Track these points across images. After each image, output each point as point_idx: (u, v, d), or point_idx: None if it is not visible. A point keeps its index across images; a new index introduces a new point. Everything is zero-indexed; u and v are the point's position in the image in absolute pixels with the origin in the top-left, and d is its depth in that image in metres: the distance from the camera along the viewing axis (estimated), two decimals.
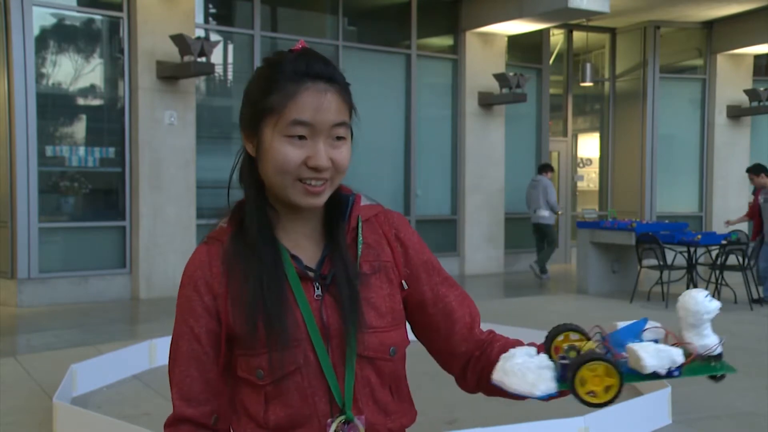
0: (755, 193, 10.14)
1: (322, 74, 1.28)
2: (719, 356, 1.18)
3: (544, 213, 11.47)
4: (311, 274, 1.32)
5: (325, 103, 1.27)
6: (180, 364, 1.32)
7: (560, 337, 1.25)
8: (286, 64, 1.29)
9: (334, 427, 1.28)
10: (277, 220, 1.34)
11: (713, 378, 1.18)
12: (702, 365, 1.18)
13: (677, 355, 1.15)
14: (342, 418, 1.28)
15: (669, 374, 1.15)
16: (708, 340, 1.17)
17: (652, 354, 1.15)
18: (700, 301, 1.16)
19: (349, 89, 1.33)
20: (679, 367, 1.16)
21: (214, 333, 1.31)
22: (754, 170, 9.93)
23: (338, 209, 1.37)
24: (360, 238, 1.37)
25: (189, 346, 1.31)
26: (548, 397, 1.18)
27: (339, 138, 1.29)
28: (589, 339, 1.23)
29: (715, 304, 1.17)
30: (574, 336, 1.25)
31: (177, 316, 1.34)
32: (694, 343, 1.17)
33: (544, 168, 11.79)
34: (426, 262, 1.43)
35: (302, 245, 1.35)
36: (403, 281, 1.39)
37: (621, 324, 1.21)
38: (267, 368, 1.27)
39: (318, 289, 1.31)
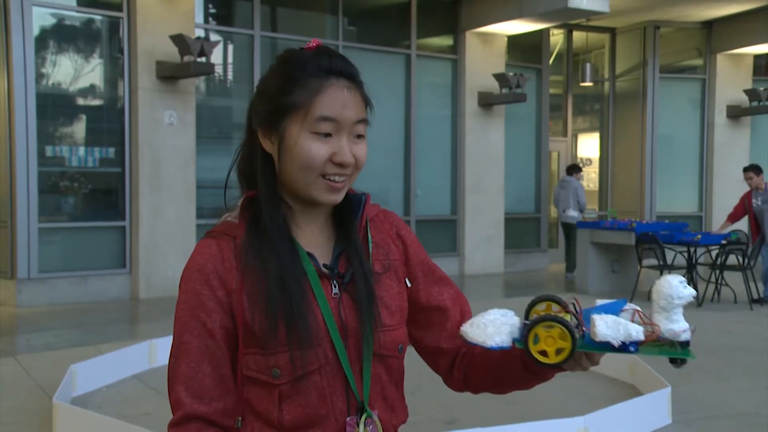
0: (746, 194, 9.81)
1: (345, 71, 1.30)
2: (686, 343, 1.17)
3: (573, 213, 11.60)
4: (328, 272, 1.32)
5: (350, 100, 1.29)
6: (190, 360, 1.27)
7: (542, 306, 1.27)
8: (307, 61, 1.29)
9: (362, 427, 1.29)
10: (291, 216, 1.34)
11: (673, 362, 1.18)
12: (663, 347, 1.18)
13: (635, 331, 1.16)
14: (364, 416, 1.29)
15: (624, 348, 1.16)
16: (675, 326, 1.17)
17: (609, 324, 1.16)
18: (674, 285, 1.16)
19: (364, 88, 1.34)
20: (637, 344, 1.16)
21: (227, 329, 1.28)
22: (755, 169, 9.64)
23: (348, 207, 1.38)
24: (369, 237, 1.39)
25: (201, 342, 1.27)
26: (500, 349, 1.22)
27: (359, 135, 1.31)
28: (567, 312, 1.24)
29: (688, 291, 1.16)
30: (555, 308, 1.26)
31: (183, 311, 1.30)
32: (660, 326, 1.17)
33: (574, 169, 11.90)
34: (422, 262, 1.45)
35: (315, 242, 1.36)
36: (406, 279, 1.42)
37: (600, 302, 1.23)
38: (287, 367, 1.25)
39: (335, 287, 1.32)
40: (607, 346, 1.16)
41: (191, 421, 1.27)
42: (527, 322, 1.22)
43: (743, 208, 9.76)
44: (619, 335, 1.16)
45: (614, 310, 1.20)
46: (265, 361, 1.26)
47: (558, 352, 1.17)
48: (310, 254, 1.32)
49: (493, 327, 1.22)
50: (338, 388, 1.29)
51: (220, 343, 1.28)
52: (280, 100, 1.29)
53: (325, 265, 1.33)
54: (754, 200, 9.55)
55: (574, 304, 1.24)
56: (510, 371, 1.37)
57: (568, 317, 1.22)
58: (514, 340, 1.22)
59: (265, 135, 1.32)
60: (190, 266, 1.31)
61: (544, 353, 1.18)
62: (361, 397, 1.30)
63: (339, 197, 1.32)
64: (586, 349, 1.18)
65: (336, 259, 1.35)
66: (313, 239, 1.36)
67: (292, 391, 1.27)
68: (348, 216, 1.38)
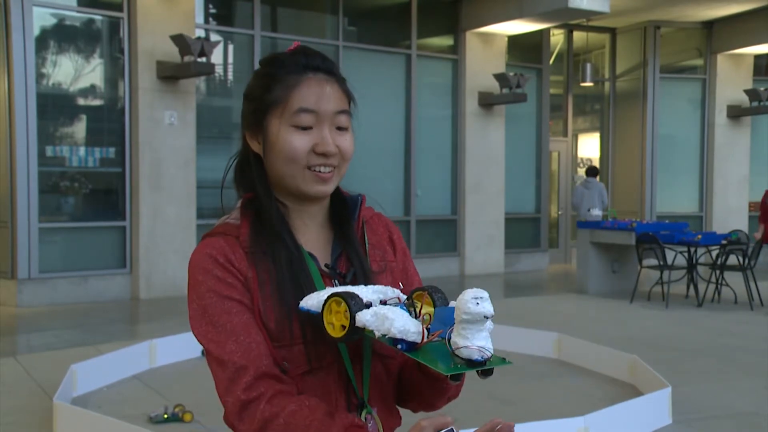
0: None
1: (321, 67, 1.33)
2: (472, 362, 1.10)
3: (598, 212, 11.82)
4: (330, 272, 1.34)
5: (327, 92, 1.31)
6: (237, 337, 1.24)
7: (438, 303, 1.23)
8: (285, 60, 1.33)
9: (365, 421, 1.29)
10: (288, 216, 1.35)
11: (450, 377, 1.13)
12: (436, 356, 1.12)
13: (397, 330, 1.13)
14: (365, 411, 1.30)
15: (392, 341, 1.14)
16: (460, 340, 1.10)
17: (377, 313, 1.15)
18: (464, 299, 1.10)
19: (346, 83, 1.37)
20: (407, 344, 1.14)
21: (254, 308, 1.28)
22: None
23: (345, 208, 1.40)
24: (366, 238, 1.41)
25: (243, 318, 1.26)
26: (307, 311, 1.23)
27: (342, 127, 1.33)
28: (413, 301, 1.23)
29: (479, 309, 1.09)
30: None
31: (210, 299, 1.27)
32: (454, 338, 1.11)
33: (595, 171, 12.21)
34: (404, 270, 1.46)
35: (314, 243, 1.37)
36: (400, 283, 1.42)
37: (453, 304, 1.17)
38: (297, 360, 1.26)
39: (337, 286, 1.33)
40: (373, 335, 1.15)
41: (263, 378, 1.23)
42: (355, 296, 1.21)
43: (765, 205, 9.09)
44: (379, 327, 1.14)
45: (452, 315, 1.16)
46: (276, 354, 1.26)
47: (342, 328, 1.18)
48: (310, 254, 1.33)
49: (320, 294, 1.23)
50: (341, 385, 1.30)
51: (257, 319, 1.27)
52: (260, 100, 1.32)
53: (327, 265, 1.34)
54: None
55: (432, 295, 1.21)
56: (413, 376, 1.36)
57: (428, 308, 1.20)
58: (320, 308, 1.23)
59: (252, 136, 1.35)
60: (201, 260, 1.30)
61: (332, 325, 1.19)
62: (362, 394, 1.31)
63: (328, 188, 1.33)
64: (370, 335, 1.16)
65: (335, 259, 1.36)
66: (312, 239, 1.37)
67: (297, 387, 1.27)
68: (345, 217, 1.39)
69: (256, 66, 1.41)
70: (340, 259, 1.36)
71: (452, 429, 1.13)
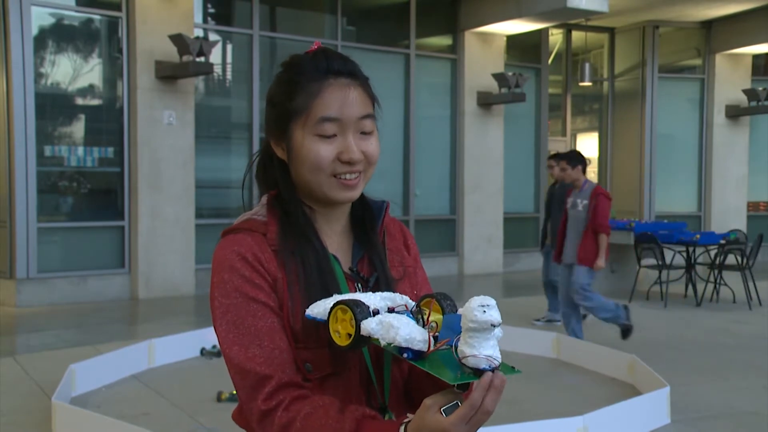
0: (567, 194, 6.87)
1: (343, 70, 1.31)
2: (479, 371, 1.09)
3: None
4: (353, 274, 1.34)
5: (349, 98, 1.29)
6: (261, 341, 1.23)
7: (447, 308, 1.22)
8: (305, 65, 1.31)
9: None
10: (313, 219, 1.35)
11: (456, 386, 1.12)
12: (443, 365, 1.11)
13: (403, 339, 1.11)
14: (387, 416, 1.31)
15: (398, 349, 1.12)
16: (467, 348, 1.08)
17: (382, 322, 1.14)
18: (471, 307, 1.08)
19: (369, 83, 1.35)
20: (416, 353, 1.12)
21: (281, 310, 1.28)
22: (574, 160, 6.60)
23: (368, 213, 1.40)
24: (385, 243, 1.42)
25: (268, 321, 1.25)
26: (313, 319, 1.22)
27: (366, 131, 1.32)
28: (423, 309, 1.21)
29: (485, 317, 1.07)
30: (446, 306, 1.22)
31: (236, 299, 1.26)
32: (461, 347, 1.10)
33: None
34: (413, 275, 1.46)
35: (337, 245, 1.37)
36: (414, 291, 1.44)
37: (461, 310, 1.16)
38: (320, 362, 1.26)
39: (359, 290, 1.33)
40: (379, 344, 1.14)
41: (284, 387, 1.23)
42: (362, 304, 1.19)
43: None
44: (385, 336, 1.13)
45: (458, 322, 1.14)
46: (299, 355, 1.26)
47: (348, 336, 1.17)
48: (334, 257, 1.34)
49: (326, 302, 1.22)
50: (361, 390, 1.30)
51: (283, 322, 1.27)
52: (283, 107, 1.31)
53: (350, 269, 1.35)
54: (569, 199, 6.76)
55: (441, 302, 1.20)
56: (420, 385, 1.36)
57: (437, 316, 1.19)
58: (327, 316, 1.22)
59: (276, 142, 1.35)
60: (228, 257, 1.28)
61: (338, 333, 1.18)
62: (383, 398, 1.31)
63: (354, 194, 1.33)
64: (376, 343, 1.15)
65: (356, 263, 1.37)
66: (335, 241, 1.37)
67: (319, 389, 1.27)
68: (368, 221, 1.40)
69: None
70: (361, 263, 1.37)
71: (457, 403, 1.12)
